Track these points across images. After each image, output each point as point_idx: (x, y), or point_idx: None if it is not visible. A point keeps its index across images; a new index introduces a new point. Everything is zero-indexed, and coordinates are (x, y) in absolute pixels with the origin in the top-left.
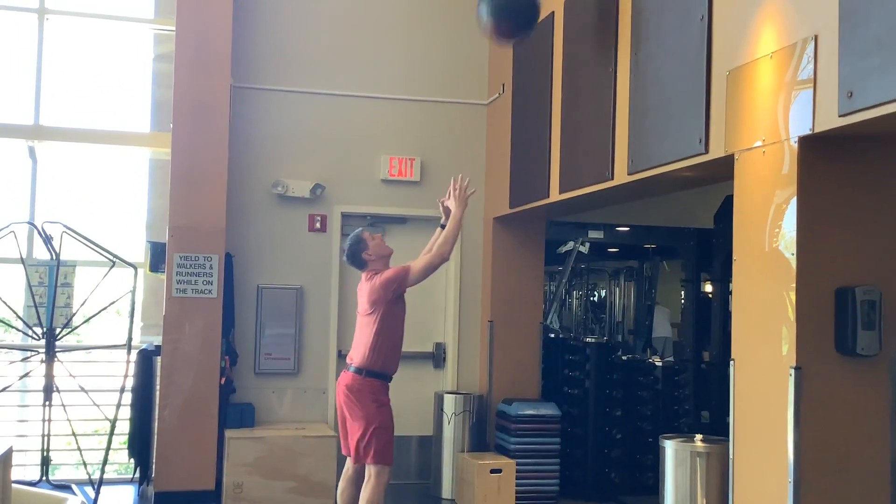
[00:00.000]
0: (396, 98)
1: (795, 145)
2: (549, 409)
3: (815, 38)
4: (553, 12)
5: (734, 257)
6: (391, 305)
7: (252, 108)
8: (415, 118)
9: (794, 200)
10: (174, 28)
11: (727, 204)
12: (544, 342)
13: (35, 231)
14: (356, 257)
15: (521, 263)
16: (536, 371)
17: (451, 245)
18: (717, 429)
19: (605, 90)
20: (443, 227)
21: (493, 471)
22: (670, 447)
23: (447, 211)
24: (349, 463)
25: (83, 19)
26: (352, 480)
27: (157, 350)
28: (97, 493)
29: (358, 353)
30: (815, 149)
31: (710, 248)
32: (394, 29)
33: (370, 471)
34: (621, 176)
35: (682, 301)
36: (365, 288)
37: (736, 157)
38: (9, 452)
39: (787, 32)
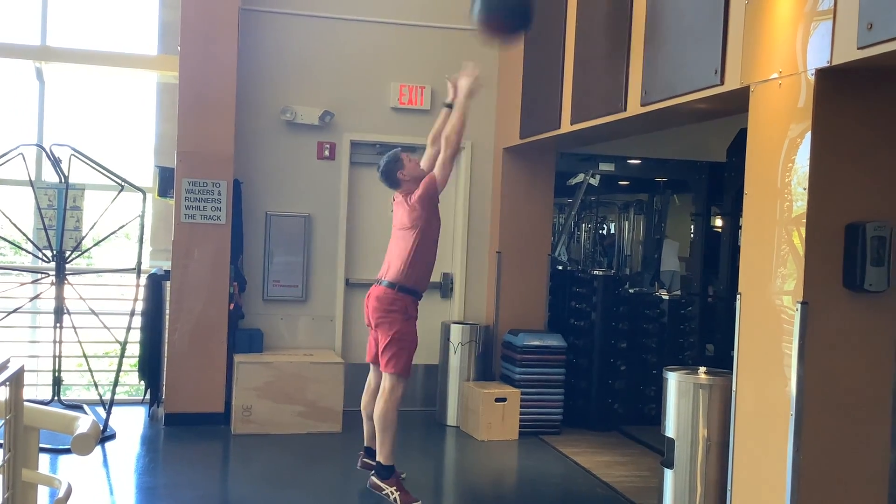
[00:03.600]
0: (408, 24)
1: (812, 78)
2: (554, 341)
3: None
4: None
5: (745, 191)
6: (429, 220)
7: (261, 31)
8: (426, 45)
9: (808, 135)
10: None
11: (740, 137)
12: (551, 274)
13: (44, 153)
14: (391, 175)
15: (531, 195)
16: (543, 302)
17: (460, 134)
18: (722, 362)
19: (620, 19)
20: (448, 106)
21: (497, 399)
22: (673, 378)
23: (456, 89)
24: (371, 376)
25: None
26: (373, 393)
27: (167, 275)
28: (108, 413)
29: (393, 267)
30: (832, 82)
31: (722, 182)
32: None
33: (385, 383)
34: (634, 107)
35: (692, 235)
36: (403, 206)
37: (751, 88)
38: (21, 371)
39: None
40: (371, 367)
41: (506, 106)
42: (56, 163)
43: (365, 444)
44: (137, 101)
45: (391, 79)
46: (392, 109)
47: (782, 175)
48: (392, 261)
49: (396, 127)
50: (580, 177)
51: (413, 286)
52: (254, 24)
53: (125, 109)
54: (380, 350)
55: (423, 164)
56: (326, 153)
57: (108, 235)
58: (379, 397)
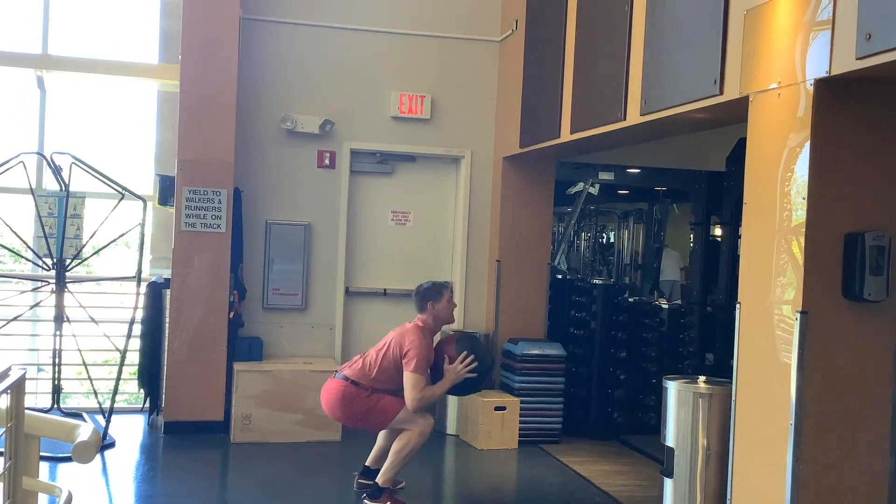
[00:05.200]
0: (408, 33)
1: (811, 88)
2: (554, 350)
3: None
4: None
5: (745, 200)
6: (394, 376)
7: (262, 40)
8: (426, 55)
9: (807, 144)
10: None
11: (740, 147)
12: (551, 283)
13: (44, 161)
14: (423, 300)
15: (531, 203)
16: (543, 311)
17: (427, 403)
18: (722, 371)
19: (619, 28)
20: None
21: (497, 408)
22: (673, 388)
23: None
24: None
25: None
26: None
27: (167, 283)
28: (108, 420)
29: (356, 368)
30: (830, 92)
31: (721, 191)
32: None
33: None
34: (634, 116)
35: (691, 244)
36: (399, 341)
37: (751, 98)
38: (22, 378)
39: None
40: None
41: (505, 115)
42: (57, 171)
43: (366, 463)
44: (138, 109)
45: (391, 88)
46: (392, 118)
47: (781, 184)
48: (358, 363)
49: (396, 136)
50: (580, 185)
51: (370, 385)
52: (254, 33)
53: (126, 118)
54: (380, 420)
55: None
56: (326, 162)
57: (109, 244)
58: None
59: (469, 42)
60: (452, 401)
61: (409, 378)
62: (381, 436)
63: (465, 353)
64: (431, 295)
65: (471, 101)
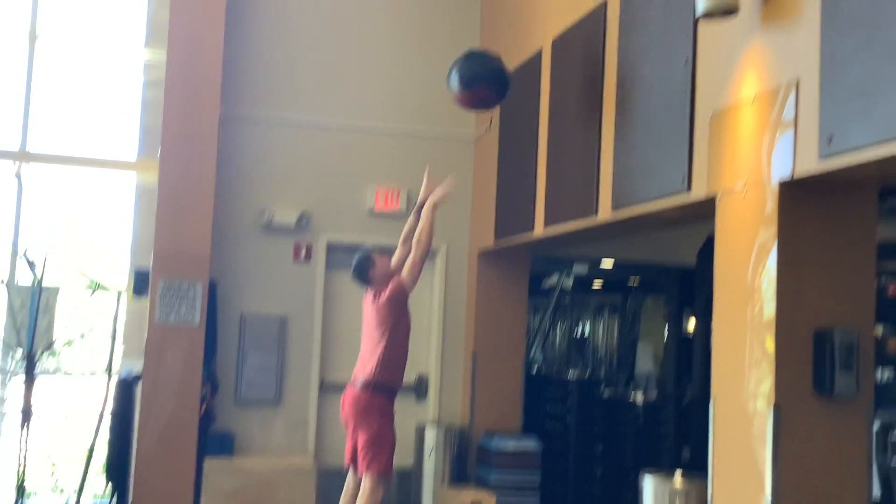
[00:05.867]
0: (385, 130)
1: (776, 188)
2: (530, 444)
3: (797, 82)
4: (541, 49)
5: (715, 296)
6: (398, 320)
7: (241, 135)
8: (403, 150)
9: (774, 242)
10: (165, 55)
11: (710, 242)
12: (527, 376)
13: (19, 255)
14: (363, 273)
15: (506, 297)
16: (518, 405)
17: (429, 237)
18: (698, 465)
19: (591, 127)
20: (417, 211)
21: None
22: (650, 483)
23: (426, 195)
24: (349, 479)
25: (73, 43)
26: (352, 496)
27: (137, 378)
28: None
29: (367, 367)
30: (795, 192)
31: (693, 286)
32: (385, 60)
33: (365, 484)
34: (605, 212)
35: (665, 338)
36: (371, 309)
37: (718, 197)
38: None
39: (770, 76)
40: (349, 470)
41: (481, 209)
42: (31, 265)
43: None
44: (117, 202)
45: (368, 182)
46: (369, 212)
47: (751, 280)
48: (365, 360)
49: (373, 230)
50: (554, 279)
51: (387, 384)
52: (234, 128)
53: (103, 210)
54: (359, 451)
55: (394, 262)
56: (303, 255)
57: (80, 337)
58: (358, 500)
59: (445, 138)
60: (428, 497)
61: (405, 277)
62: None
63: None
64: (365, 265)
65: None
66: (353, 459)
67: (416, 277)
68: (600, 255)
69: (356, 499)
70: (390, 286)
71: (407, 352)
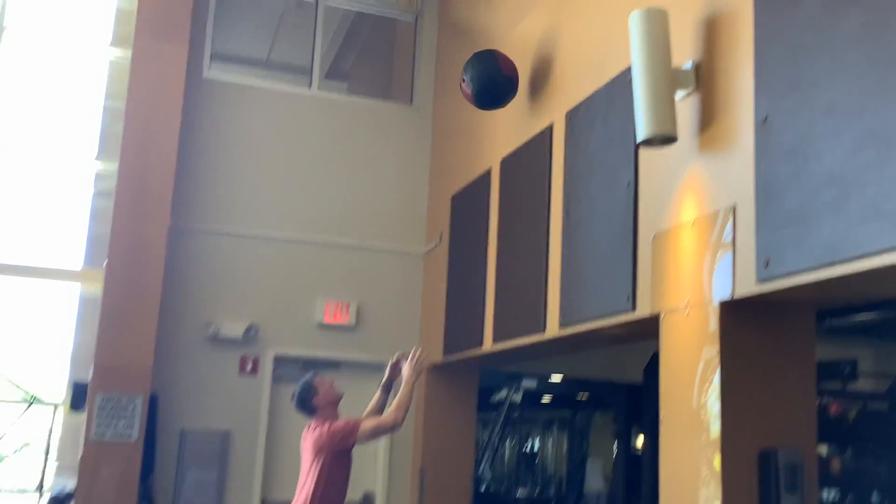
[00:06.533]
0: (335, 243)
1: (718, 307)
2: None
3: (734, 208)
4: (490, 168)
5: (661, 414)
6: (336, 457)
7: (189, 248)
8: (352, 263)
9: (717, 361)
10: (116, 166)
11: (655, 360)
12: (475, 493)
13: None
14: (306, 403)
15: (454, 411)
16: None
17: (404, 412)
18: None
19: (538, 246)
20: (384, 387)
21: None
22: None
23: (393, 371)
24: None
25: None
26: None
27: (70, 496)
28: None
29: (298, 499)
30: (736, 312)
31: (641, 403)
32: (336, 176)
33: None
34: (553, 329)
35: (615, 454)
36: (311, 436)
37: (662, 316)
38: None
39: (708, 201)
40: None
41: (430, 324)
42: None
43: None
44: (57, 312)
45: (317, 295)
46: (318, 325)
47: (698, 397)
48: (300, 497)
49: (322, 343)
50: (503, 393)
51: None
52: (182, 240)
53: (43, 321)
54: None
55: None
56: (249, 367)
57: (14, 452)
58: None
59: (395, 252)
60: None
61: (364, 426)
62: None
63: (414, 349)
64: (307, 394)
65: (396, 310)
66: None
67: (370, 438)
68: (549, 371)
69: None
70: (343, 421)
71: (345, 490)
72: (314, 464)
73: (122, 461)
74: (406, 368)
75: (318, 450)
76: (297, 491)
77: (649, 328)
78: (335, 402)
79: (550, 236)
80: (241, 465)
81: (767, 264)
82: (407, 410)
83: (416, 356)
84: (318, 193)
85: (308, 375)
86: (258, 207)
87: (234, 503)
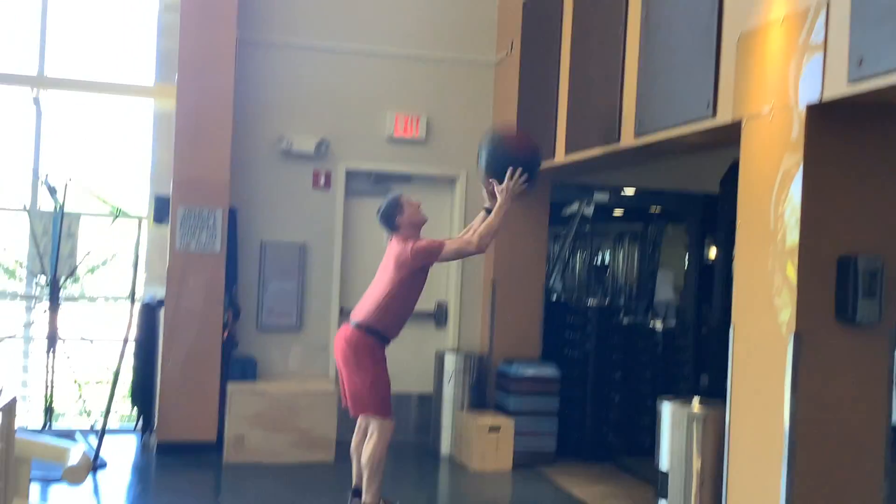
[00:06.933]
0: (405, 55)
1: (803, 112)
2: (548, 370)
3: (827, 3)
4: None
5: (738, 223)
6: (413, 274)
7: (258, 61)
8: (422, 75)
9: (800, 168)
10: None
11: (734, 169)
12: (546, 304)
13: (40, 181)
14: (390, 220)
15: (526, 225)
16: (537, 332)
17: (492, 237)
18: (716, 392)
19: (614, 52)
20: (487, 210)
21: (491, 429)
22: (668, 409)
23: (492, 196)
24: (360, 418)
25: None
26: (364, 433)
27: (160, 304)
28: (100, 441)
29: (364, 308)
30: (823, 116)
31: (716, 213)
32: None
33: (372, 425)
34: (628, 139)
35: (686, 265)
36: (395, 249)
37: (743, 122)
38: (13, 403)
39: None
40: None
41: None
42: (52, 190)
43: (353, 485)
44: (135, 128)
45: (387, 108)
46: (388, 139)
47: (775, 207)
48: (367, 301)
49: (392, 156)
50: (575, 207)
51: (382, 331)
52: (251, 53)
53: (122, 137)
54: (354, 397)
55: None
56: (322, 182)
57: (103, 263)
58: (367, 440)
59: (465, 63)
60: (447, 422)
61: (448, 247)
62: (355, 454)
63: (511, 168)
64: (393, 211)
65: (466, 122)
66: (347, 403)
67: (454, 258)
68: (622, 184)
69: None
70: (427, 241)
71: (411, 310)
72: (391, 277)
73: (207, 271)
74: (501, 194)
75: (399, 265)
76: (365, 296)
77: (728, 135)
78: (418, 224)
79: (627, 41)
80: (319, 276)
81: (861, 63)
82: (494, 236)
83: (512, 181)
84: (387, 3)
85: (396, 193)
86: (327, 19)
87: (315, 312)
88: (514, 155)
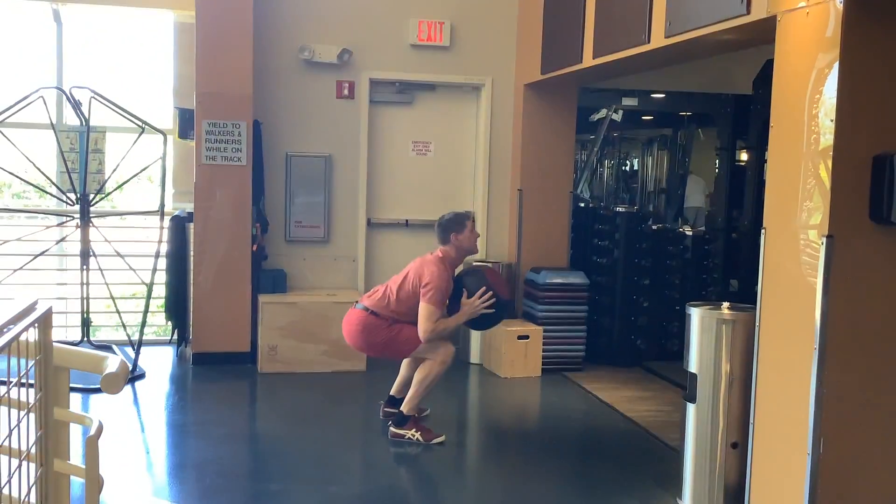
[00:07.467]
0: None
1: (840, 6)
2: (577, 278)
3: None
4: None
5: (771, 123)
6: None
7: None
8: None
9: (836, 65)
10: None
11: (767, 68)
12: (574, 211)
13: (64, 96)
14: (446, 231)
15: (552, 131)
16: (565, 240)
17: (438, 336)
18: (746, 298)
19: None
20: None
21: (520, 337)
22: (696, 314)
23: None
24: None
25: None
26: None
27: (190, 217)
28: (137, 353)
29: (373, 297)
30: (861, 11)
31: (748, 115)
32: None
33: (430, 350)
34: (658, 39)
35: (716, 170)
36: (423, 269)
37: (778, 18)
38: (48, 312)
39: None
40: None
41: (526, 41)
42: (76, 105)
43: (391, 393)
44: (156, 42)
45: (410, 15)
46: (411, 46)
47: (809, 107)
48: (378, 291)
49: (416, 64)
50: (603, 112)
51: (388, 316)
52: None
53: (144, 51)
54: (391, 352)
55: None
56: (346, 92)
57: (131, 178)
58: (429, 360)
59: None
60: (476, 331)
61: (423, 309)
62: (404, 365)
63: (484, 288)
64: (454, 226)
65: (491, 28)
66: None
67: (420, 319)
68: (650, 88)
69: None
70: (430, 296)
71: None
72: (407, 295)
73: (234, 183)
74: (464, 305)
75: (414, 292)
76: (380, 292)
77: (763, 32)
78: (466, 252)
79: None
80: (345, 187)
81: None
82: (440, 336)
83: (479, 300)
84: None
85: (469, 212)
86: None
87: (342, 224)
88: (493, 286)
